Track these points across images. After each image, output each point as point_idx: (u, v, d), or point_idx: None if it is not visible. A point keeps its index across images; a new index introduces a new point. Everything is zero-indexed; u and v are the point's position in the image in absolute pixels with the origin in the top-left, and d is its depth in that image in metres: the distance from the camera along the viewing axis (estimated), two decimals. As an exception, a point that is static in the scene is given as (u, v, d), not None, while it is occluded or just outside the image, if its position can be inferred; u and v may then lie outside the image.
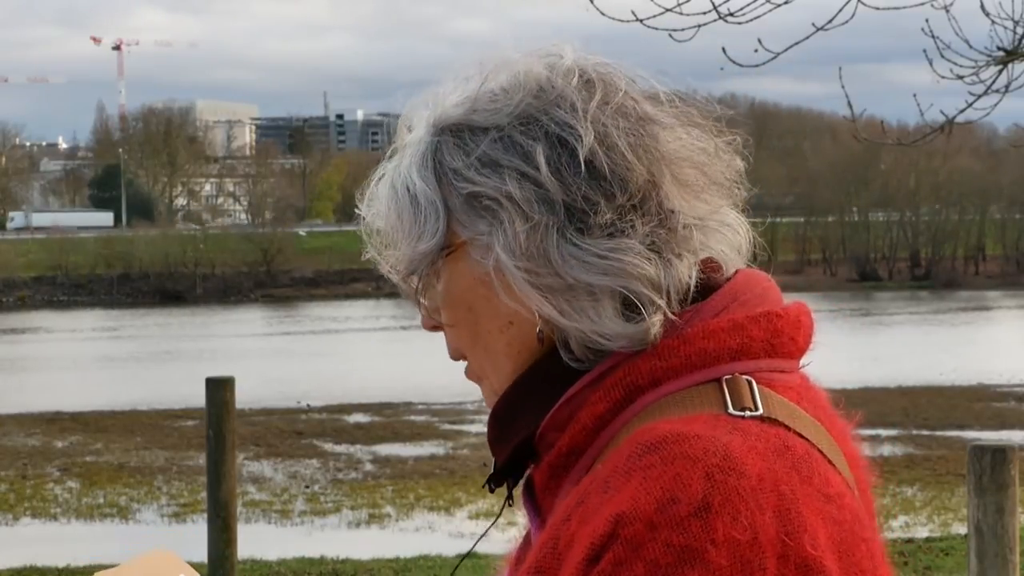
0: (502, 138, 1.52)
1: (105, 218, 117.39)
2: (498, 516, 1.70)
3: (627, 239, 1.48)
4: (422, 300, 1.60)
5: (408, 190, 1.57)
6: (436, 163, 1.56)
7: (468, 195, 1.52)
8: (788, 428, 1.44)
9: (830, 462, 1.45)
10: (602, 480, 1.40)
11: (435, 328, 1.61)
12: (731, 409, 1.43)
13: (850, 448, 1.53)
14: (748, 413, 1.43)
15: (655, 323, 1.47)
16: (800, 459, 1.42)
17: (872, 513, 1.52)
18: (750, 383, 1.46)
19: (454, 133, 1.55)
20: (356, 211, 1.64)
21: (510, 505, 1.61)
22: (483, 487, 1.62)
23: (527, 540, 1.58)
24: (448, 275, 1.56)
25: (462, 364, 1.61)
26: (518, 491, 1.59)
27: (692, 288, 1.50)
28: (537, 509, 1.53)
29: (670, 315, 1.48)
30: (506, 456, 1.55)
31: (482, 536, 1.92)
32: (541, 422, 1.50)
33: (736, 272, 1.55)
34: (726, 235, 1.55)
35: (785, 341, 1.51)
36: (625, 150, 1.50)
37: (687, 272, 1.50)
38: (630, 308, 1.47)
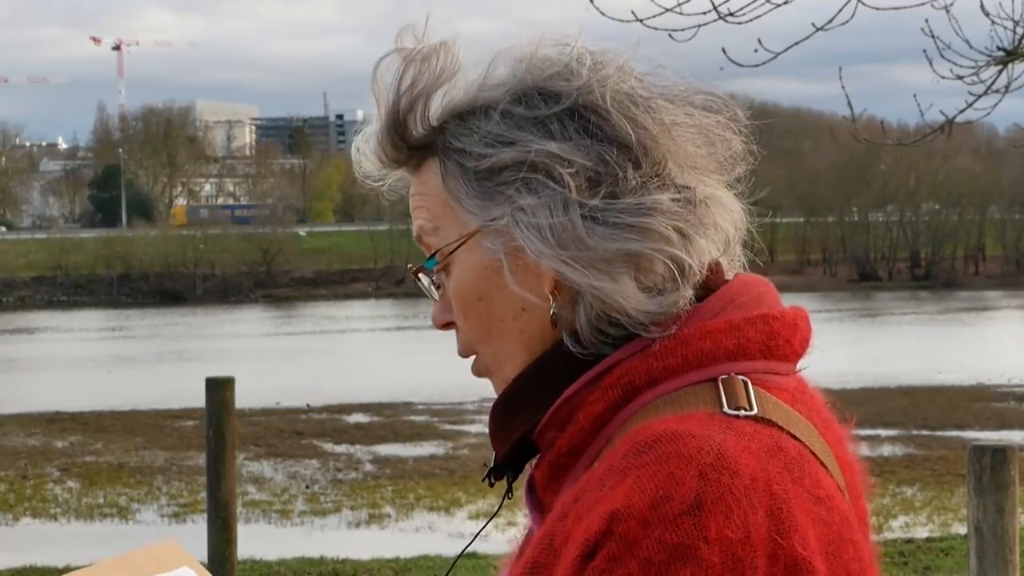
0: (510, 113, 1.52)
1: None
2: (498, 509, 1.70)
3: (653, 197, 1.49)
4: (435, 297, 1.61)
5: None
6: (441, 153, 1.56)
7: (485, 171, 1.52)
8: (781, 429, 1.45)
9: (822, 464, 1.46)
10: (598, 478, 1.41)
11: (446, 326, 1.61)
12: (726, 408, 1.44)
13: (844, 453, 1.54)
14: (743, 413, 1.44)
15: (680, 297, 1.48)
16: (792, 460, 1.43)
17: (864, 519, 1.54)
18: (745, 383, 1.47)
19: (459, 119, 1.55)
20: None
21: (509, 498, 1.62)
22: (483, 481, 1.63)
23: (529, 537, 1.58)
24: (458, 268, 1.56)
25: (460, 364, 1.61)
26: (518, 485, 1.60)
27: (713, 263, 1.52)
28: (539, 507, 1.54)
29: (688, 293, 1.49)
30: (506, 450, 1.55)
31: (479, 531, 1.92)
32: (541, 418, 1.51)
33: (734, 275, 1.57)
34: (729, 214, 1.55)
35: (781, 344, 1.52)
36: (645, 121, 1.51)
37: (709, 248, 1.51)
38: (646, 281, 1.49)
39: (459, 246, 1.55)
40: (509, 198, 1.50)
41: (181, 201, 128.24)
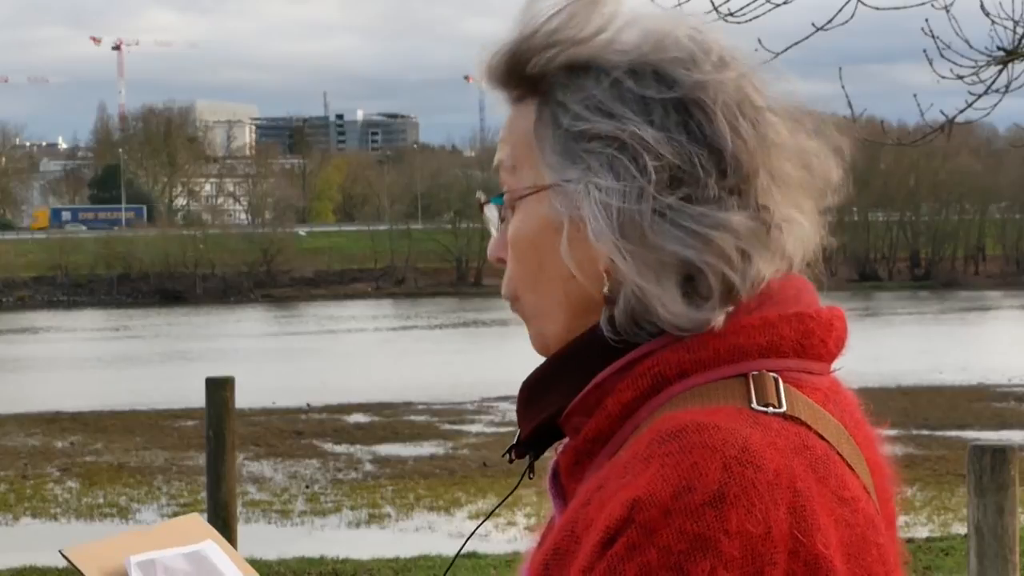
0: (620, 84, 1.50)
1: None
2: (516, 485, 1.69)
3: (727, 213, 1.47)
4: (495, 231, 1.62)
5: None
6: (541, 98, 1.55)
7: (576, 133, 1.51)
8: (809, 428, 1.44)
9: (849, 466, 1.46)
10: (621, 465, 1.41)
11: (499, 261, 1.61)
12: (754, 404, 1.43)
13: (874, 456, 1.53)
14: (771, 409, 1.43)
15: (717, 315, 1.46)
16: (818, 459, 1.42)
17: (892, 522, 1.53)
18: (776, 380, 1.46)
19: (569, 71, 1.53)
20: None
21: (531, 477, 1.62)
22: (503, 456, 1.63)
23: (551, 524, 1.58)
24: (523, 214, 1.56)
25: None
26: (540, 465, 1.60)
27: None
28: (562, 493, 1.53)
29: (724, 312, 1.46)
30: (530, 430, 1.55)
31: (502, 502, 1.92)
32: (569, 401, 1.50)
33: None
34: (801, 238, 1.54)
35: (816, 343, 1.51)
36: (746, 132, 1.49)
37: (766, 271, 1.49)
38: (691, 291, 1.47)
39: (530, 194, 1.55)
40: (589, 168, 1.49)
41: (181, 201, 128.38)
